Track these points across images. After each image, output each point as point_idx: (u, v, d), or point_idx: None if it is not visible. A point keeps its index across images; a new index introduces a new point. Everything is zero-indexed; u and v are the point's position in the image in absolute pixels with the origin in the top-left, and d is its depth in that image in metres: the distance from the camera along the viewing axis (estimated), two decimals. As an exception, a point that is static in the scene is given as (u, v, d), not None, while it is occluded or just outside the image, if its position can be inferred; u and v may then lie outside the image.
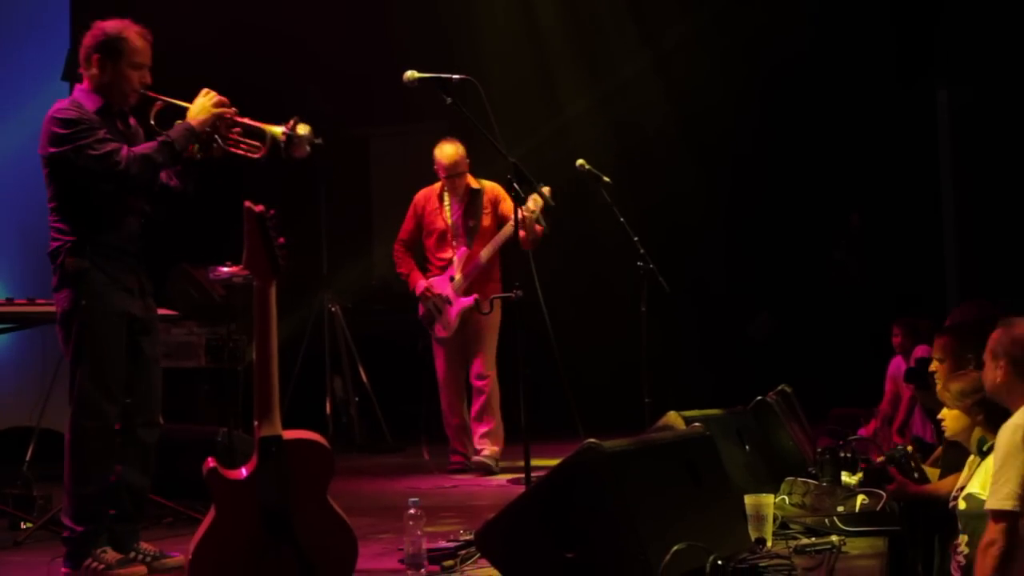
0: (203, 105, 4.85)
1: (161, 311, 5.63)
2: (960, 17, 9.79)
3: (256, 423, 3.89)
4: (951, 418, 4.71)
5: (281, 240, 3.95)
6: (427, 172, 7.68)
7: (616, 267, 7.33)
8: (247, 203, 3.94)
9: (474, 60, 8.34)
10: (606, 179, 6.55)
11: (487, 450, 7.45)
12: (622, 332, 7.06)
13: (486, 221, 7.50)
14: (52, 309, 4.82)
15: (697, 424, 4.43)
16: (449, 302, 7.50)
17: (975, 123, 10.13)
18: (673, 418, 4.95)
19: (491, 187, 7.51)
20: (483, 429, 7.48)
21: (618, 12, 9.86)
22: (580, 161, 6.59)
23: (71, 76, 6.58)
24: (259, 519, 3.81)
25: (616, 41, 9.99)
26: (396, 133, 11.29)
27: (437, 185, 7.65)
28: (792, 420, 5.89)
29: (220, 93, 4.91)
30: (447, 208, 7.59)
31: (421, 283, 7.56)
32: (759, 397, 5.70)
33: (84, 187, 4.69)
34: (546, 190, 6.55)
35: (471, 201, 7.54)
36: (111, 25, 4.81)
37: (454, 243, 7.56)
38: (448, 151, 7.46)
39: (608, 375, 8.62)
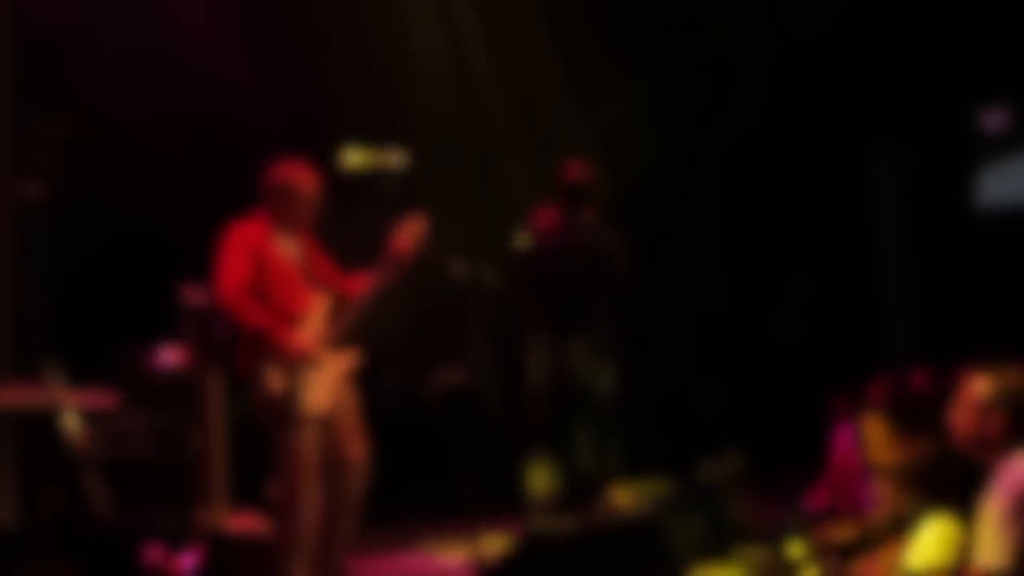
0: None
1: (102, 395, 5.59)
2: (892, 79, 9.87)
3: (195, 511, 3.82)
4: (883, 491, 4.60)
5: (218, 335, 3.89)
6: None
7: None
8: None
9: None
10: None
11: None
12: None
13: None
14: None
15: (643, 506, 4.42)
16: None
17: (911, 183, 10.19)
18: (619, 494, 4.94)
19: None
20: None
21: (557, 89, 9.72)
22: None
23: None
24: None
25: (558, 115, 9.83)
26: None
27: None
28: (742, 487, 5.87)
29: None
30: None
31: None
32: (707, 463, 5.68)
33: None
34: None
35: None
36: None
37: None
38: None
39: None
